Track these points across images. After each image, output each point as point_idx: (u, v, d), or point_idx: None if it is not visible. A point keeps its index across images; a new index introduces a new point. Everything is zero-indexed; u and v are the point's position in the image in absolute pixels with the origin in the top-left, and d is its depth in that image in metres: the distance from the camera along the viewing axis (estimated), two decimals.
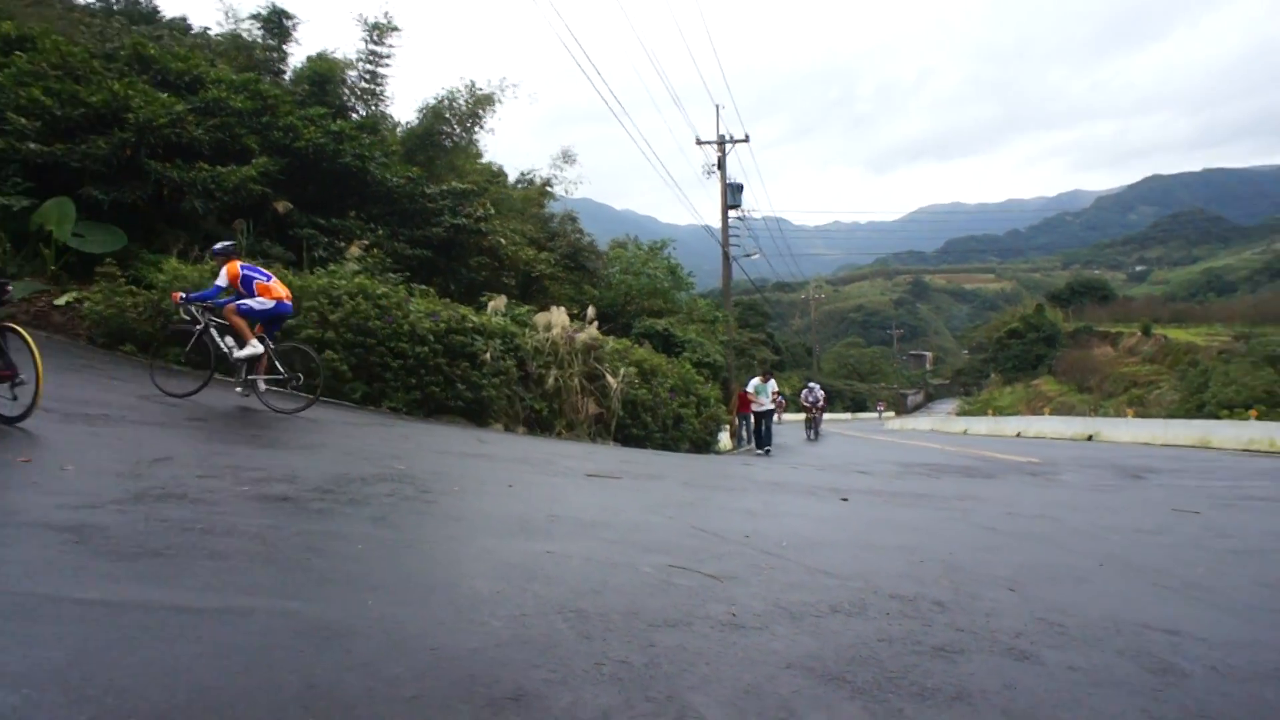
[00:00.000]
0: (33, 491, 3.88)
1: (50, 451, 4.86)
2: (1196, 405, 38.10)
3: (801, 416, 35.25)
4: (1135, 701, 2.74)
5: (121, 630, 2.42)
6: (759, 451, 19.36)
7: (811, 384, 31.74)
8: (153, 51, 15.28)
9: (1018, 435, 32.16)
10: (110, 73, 13.95)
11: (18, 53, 13.73)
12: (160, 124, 12.71)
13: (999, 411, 52.50)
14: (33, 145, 12.01)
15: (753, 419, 20.87)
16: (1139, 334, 64.89)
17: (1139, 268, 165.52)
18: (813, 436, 28.52)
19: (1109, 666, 3.08)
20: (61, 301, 11.39)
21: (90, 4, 25.18)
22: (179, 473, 4.78)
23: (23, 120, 12.15)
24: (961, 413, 63.40)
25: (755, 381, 20.47)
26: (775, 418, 22.05)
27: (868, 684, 2.70)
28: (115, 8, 25.70)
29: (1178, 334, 61.84)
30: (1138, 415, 33.69)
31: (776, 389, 20.64)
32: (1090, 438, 27.27)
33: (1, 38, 14.38)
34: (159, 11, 27.70)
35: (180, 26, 25.89)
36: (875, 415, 79.97)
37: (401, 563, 3.64)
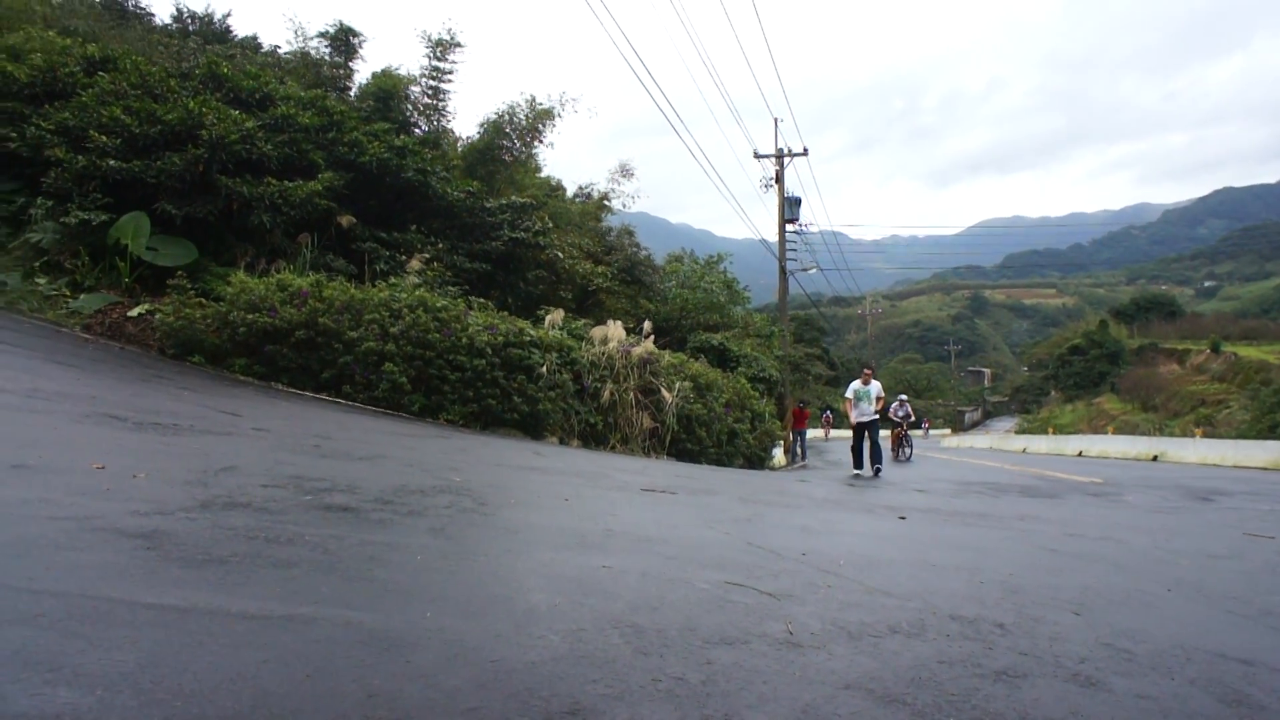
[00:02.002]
0: (106, 498, 3.99)
1: (123, 459, 5.01)
2: (1269, 426, 36.83)
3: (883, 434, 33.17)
4: None
5: (190, 635, 2.48)
6: (865, 473, 15.69)
7: (901, 396, 27.06)
8: (225, 70, 15.76)
9: (1079, 454, 31.41)
10: (185, 91, 14.43)
11: (101, 73, 14.27)
12: (231, 140, 13.09)
13: (1060, 430, 51.40)
14: (112, 162, 12.44)
15: (854, 434, 16.48)
16: (1208, 351, 63.12)
17: (1208, 283, 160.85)
18: (905, 456, 25.05)
19: (1180, 696, 2.98)
20: (135, 313, 11.76)
21: (168, 25, 26.10)
22: (244, 482, 4.89)
23: (104, 138, 12.61)
24: (1021, 431, 62.16)
25: (855, 385, 16.41)
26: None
27: (928, 707, 2.65)
28: (191, 28, 26.58)
29: (1249, 351, 60.00)
30: (1206, 435, 32.67)
31: (882, 394, 16.36)
32: (1155, 458, 26.49)
33: (87, 59, 14.97)
34: (231, 31, 28.57)
35: (251, 45, 26.72)
36: (920, 433, 71.21)
37: (460, 575, 3.68)
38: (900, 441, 25.61)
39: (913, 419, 26.91)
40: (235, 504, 4.27)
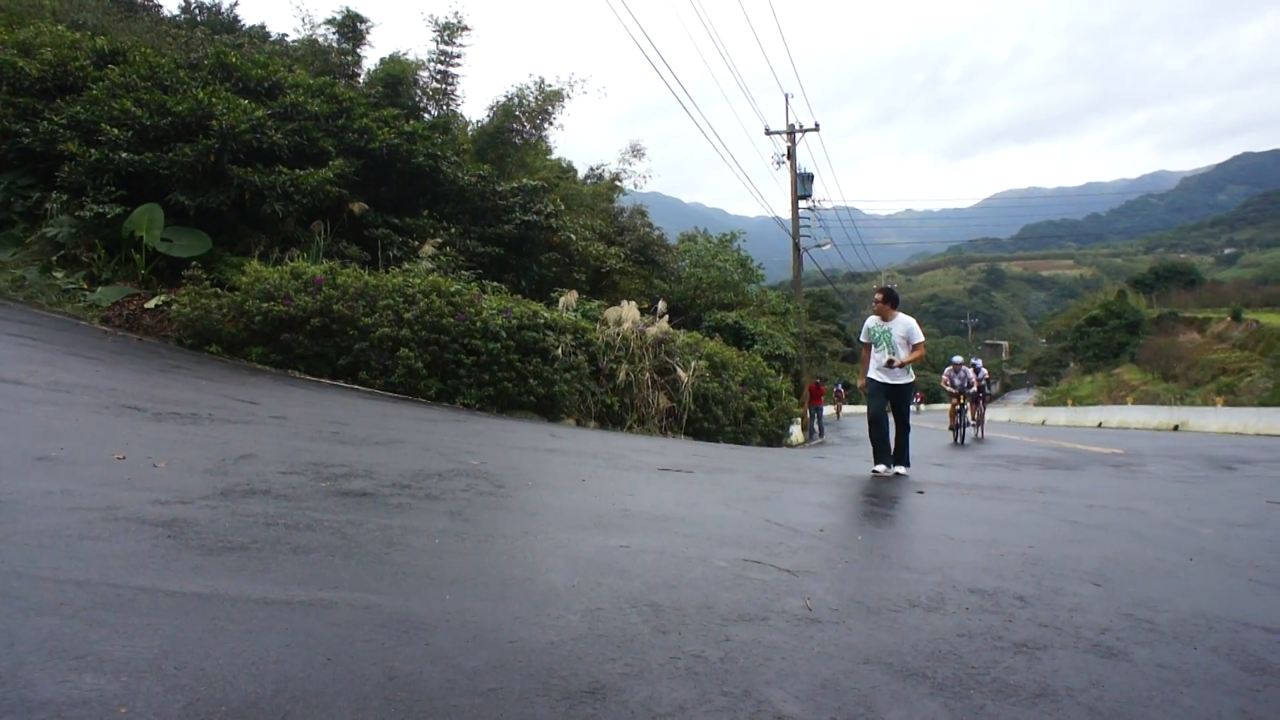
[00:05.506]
0: (127, 488, 4.03)
1: (143, 449, 5.05)
2: None
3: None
4: (1232, 702, 2.63)
5: (212, 621, 2.50)
6: (883, 469, 9.38)
7: (956, 359, 20.02)
8: (234, 60, 15.75)
9: (1099, 425, 31.23)
10: (195, 81, 14.43)
11: (111, 66, 14.30)
12: (242, 130, 13.09)
13: (1079, 401, 51.14)
14: (125, 155, 12.48)
15: (868, 404, 9.44)
16: (1228, 319, 62.55)
17: (1228, 250, 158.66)
18: (977, 436, 20.15)
19: (1203, 665, 2.97)
20: (151, 305, 11.84)
21: (176, 15, 26.14)
22: (263, 469, 4.92)
23: (115, 131, 12.63)
24: (1040, 403, 61.87)
25: (870, 323, 9.48)
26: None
27: (948, 680, 2.65)
28: (199, 18, 26.59)
29: (1271, 319, 59.38)
30: (1227, 404, 32.40)
31: (916, 338, 9.16)
32: (1176, 428, 26.30)
33: (96, 52, 15.00)
34: (239, 20, 28.60)
35: (259, 34, 26.74)
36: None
37: (478, 557, 3.69)
38: (960, 417, 19.61)
39: (973, 388, 19.71)
40: (255, 491, 4.31)
